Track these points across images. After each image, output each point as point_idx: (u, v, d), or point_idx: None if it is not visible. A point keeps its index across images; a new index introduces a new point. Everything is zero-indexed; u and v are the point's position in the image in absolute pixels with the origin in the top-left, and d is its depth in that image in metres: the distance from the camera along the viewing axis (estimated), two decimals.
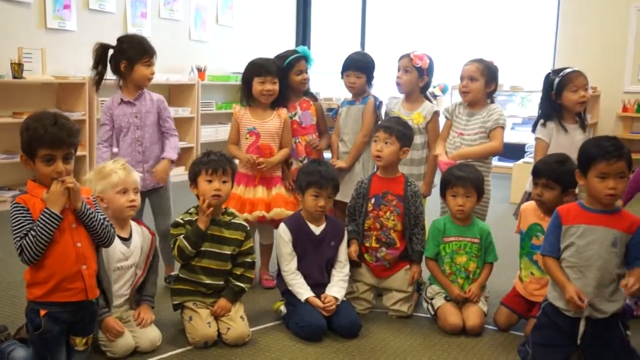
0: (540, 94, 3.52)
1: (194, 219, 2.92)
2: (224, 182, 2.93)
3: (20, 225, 2.26)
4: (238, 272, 2.99)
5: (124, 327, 2.73)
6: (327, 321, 2.99)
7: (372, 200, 3.25)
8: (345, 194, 3.50)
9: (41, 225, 2.25)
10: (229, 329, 2.87)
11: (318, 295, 3.04)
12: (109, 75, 3.47)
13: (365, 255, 3.28)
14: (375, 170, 3.44)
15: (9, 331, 2.74)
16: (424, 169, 3.64)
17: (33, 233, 2.24)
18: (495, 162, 5.48)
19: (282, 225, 3.15)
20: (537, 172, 2.99)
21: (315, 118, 3.80)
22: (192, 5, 7.60)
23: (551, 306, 2.57)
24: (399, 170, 3.32)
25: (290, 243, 3.11)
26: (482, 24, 8.61)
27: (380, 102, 3.78)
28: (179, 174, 5.90)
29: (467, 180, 3.13)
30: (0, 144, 5.40)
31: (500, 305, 3.17)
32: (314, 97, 3.87)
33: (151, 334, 2.80)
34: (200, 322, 2.85)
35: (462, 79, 3.50)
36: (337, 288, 3.10)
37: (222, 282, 2.97)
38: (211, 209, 2.87)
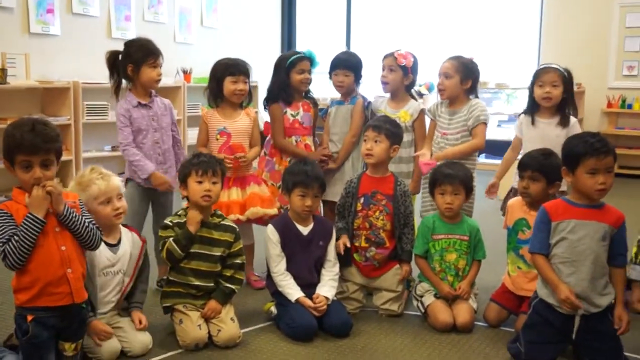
0: (526, 91, 3.55)
1: (182, 221, 2.91)
2: (214, 183, 2.92)
3: (2, 231, 2.25)
4: (228, 274, 2.98)
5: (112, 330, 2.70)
6: (318, 321, 2.98)
7: (362, 200, 3.25)
8: (335, 194, 3.50)
9: (24, 230, 2.24)
10: (219, 330, 2.87)
11: (308, 296, 3.04)
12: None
13: (355, 255, 3.28)
14: (364, 169, 3.45)
15: None
16: (412, 167, 3.65)
17: (16, 238, 2.23)
18: (481, 159, 5.51)
19: (270, 227, 3.14)
20: (523, 165, 3.02)
21: (313, 122, 3.83)
22: (177, 7, 7.57)
23: (542, 303, 2.58)
24: (389, 169, 3.32)
25: (279, 244, 3.10)
26: (467, 22, 8.64)
27: (369, 102, 3.79)
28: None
29: (455, 178, 3.14)
30: None
31: (490, 301, 3.18)
32: (313, 102, 3.87)
33: (142, 338, 2.78)
34: (191, 324, 2.84)
35: (439, 76, 3.52)
36: (327, 287, 3.10)
37: (212, 284, 2.96)
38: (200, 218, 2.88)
